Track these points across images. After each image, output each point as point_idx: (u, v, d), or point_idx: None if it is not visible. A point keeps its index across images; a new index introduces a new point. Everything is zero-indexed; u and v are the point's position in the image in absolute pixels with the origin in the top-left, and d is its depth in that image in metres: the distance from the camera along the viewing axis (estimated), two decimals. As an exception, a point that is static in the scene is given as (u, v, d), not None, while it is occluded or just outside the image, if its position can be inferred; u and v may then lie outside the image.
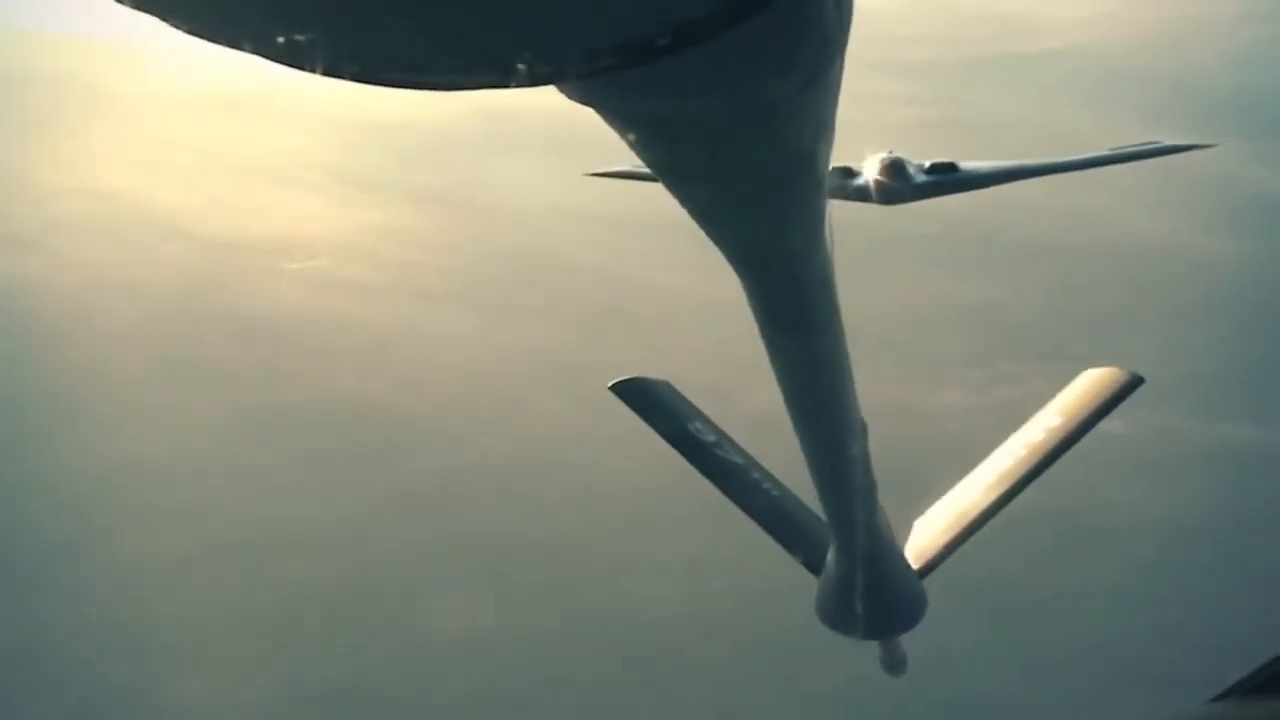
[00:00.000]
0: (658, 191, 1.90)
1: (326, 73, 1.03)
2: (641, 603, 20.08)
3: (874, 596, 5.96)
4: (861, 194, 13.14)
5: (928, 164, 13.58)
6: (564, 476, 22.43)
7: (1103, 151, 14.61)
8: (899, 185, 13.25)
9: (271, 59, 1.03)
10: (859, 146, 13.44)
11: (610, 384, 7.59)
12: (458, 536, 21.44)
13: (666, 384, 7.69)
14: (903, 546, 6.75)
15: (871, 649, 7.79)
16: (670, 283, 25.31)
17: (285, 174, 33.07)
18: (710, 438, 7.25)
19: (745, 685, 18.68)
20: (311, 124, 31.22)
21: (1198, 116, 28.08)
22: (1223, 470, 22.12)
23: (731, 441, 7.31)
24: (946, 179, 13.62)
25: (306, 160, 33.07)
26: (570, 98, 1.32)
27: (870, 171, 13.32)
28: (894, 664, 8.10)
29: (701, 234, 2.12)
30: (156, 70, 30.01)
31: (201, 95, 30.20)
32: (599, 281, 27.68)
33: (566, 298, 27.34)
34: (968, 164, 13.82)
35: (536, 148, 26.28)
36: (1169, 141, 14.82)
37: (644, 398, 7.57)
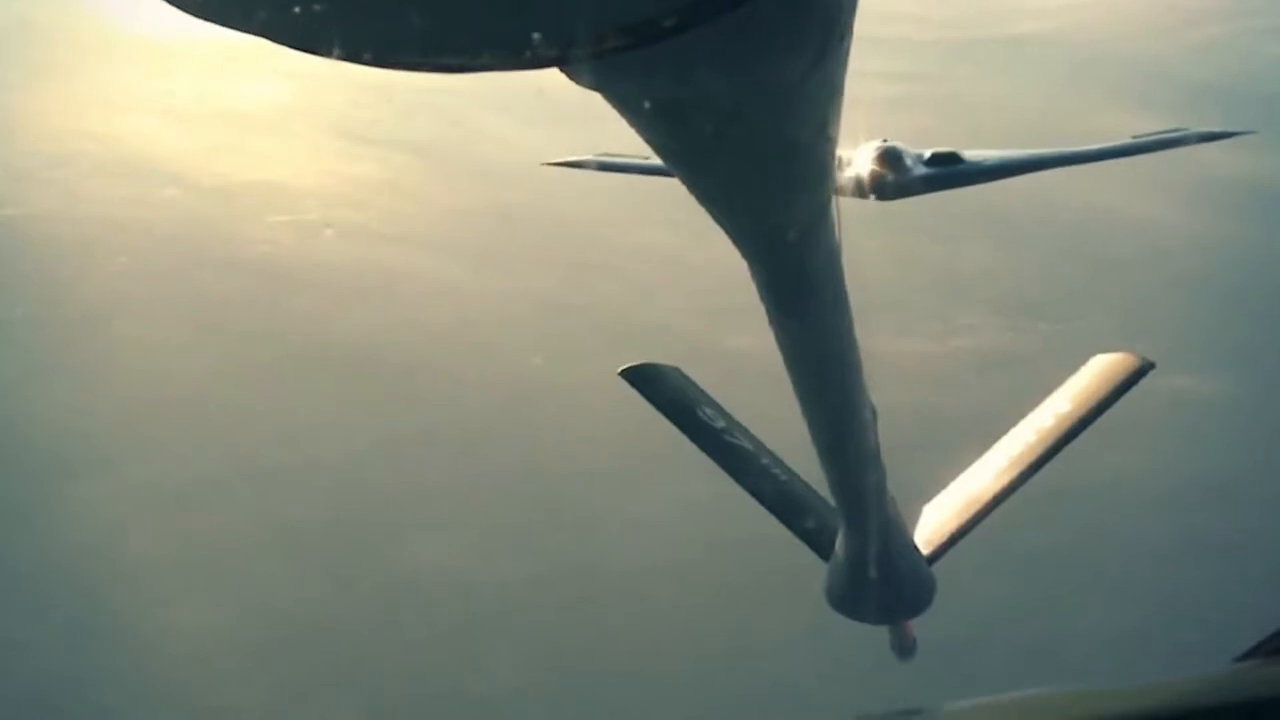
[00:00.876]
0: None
1: (331, 56, 1.03)
2: (617, 550, 20.45)
3: (883, 581, 5.98)
4: (852, 188, 11.61)
5: (928, 154, 12.11)
6: (550, 426, 22.79)
7: (1126, 140, 13.01)
8: (895, 178, 11.81)
9: (279, 43, 1.03)
10: (846, 128, 12.38)
11: (620, 370, 7.61)
12: (443, 479, 21.92)
13: (676, 369, 7.71)
14: (912, 531, 6.77)
15: (880, 633, 7.81)
16: (667, 246, 25.52)
17: (283, 126, 33.65)
18: (719, 423, 7.26)
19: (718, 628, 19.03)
20: (311, 77, 31.92)
21: (1185, 104, 28.38)
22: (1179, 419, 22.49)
23: (740, 427, 7.32)
24: (949, 171, 12.19)
25: (306, 112, 33.62)
26: (577, 82, 1.31)
27: (862, 162, 11.76)
28: (903, 648, 8.12)
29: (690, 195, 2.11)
30: (148, 22, 30.50)
31: (201, 45, 30.94)
32: (593, 241, 28.03)
33: (560, 254, 27.75)
34: (972, 153, 12.39)
35: (537, 106, 26.58)
36: (1198, 129, 13.24)
37: (653, 383, 7.60)
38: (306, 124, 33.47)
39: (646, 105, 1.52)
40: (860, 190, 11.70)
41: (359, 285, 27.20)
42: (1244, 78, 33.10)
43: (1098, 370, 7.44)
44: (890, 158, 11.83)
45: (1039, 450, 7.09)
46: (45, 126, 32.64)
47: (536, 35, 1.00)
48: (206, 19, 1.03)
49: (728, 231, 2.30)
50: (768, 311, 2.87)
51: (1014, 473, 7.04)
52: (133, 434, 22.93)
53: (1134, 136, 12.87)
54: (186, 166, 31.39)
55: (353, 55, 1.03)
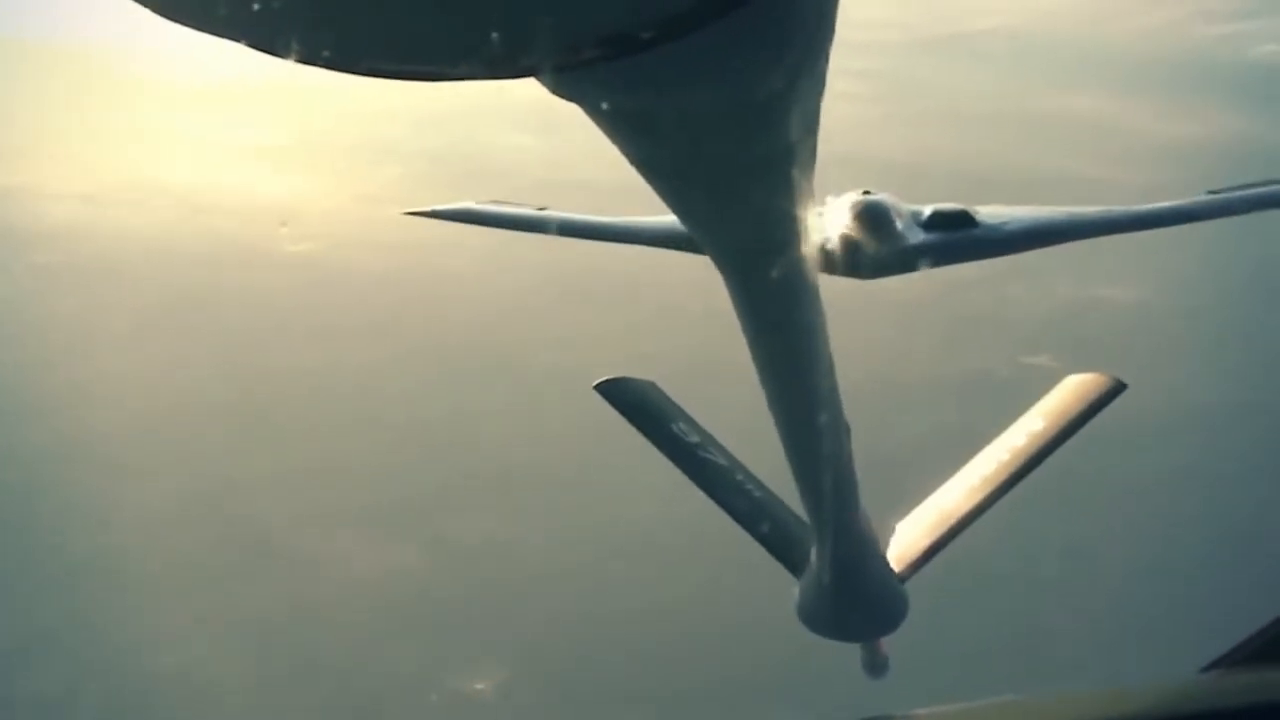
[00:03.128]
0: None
1: (301, 60, 1.02)
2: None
3: (856, 599, 6.00)
4: (821, 260, 7.40)
5: (927, 211, 8.04)
6: (561, 426, 23.87)
7: (1201, 197, 8.73)
8: (880, 248, 7.74)
9: (246, 45, 1.02)
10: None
11: (595, 384, 7.61)
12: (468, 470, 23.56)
13: (651, 384, 7.70)
14: (885, 548, 6.79)
15: (852, 650, 7.84)
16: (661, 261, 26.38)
17: (301, 158, 35.98)
18: (694, 439, 7.27)
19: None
20: (325, 112, 33.59)
21: (1139, 84, 29.66)
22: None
23: (715, 443, 7.33)
24: (958, 239, 8.09)
25: (320, 146, 35.96)
26: (553, 91, 1.29)
27: (835, 224, 7.63)
28: (875, 666, 8.14)
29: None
30: (171, 67, 32.43)
31: (217, 89, 32.64)
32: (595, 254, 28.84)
33: (564, 273, 28.59)
34: (990, 210, 8.23)
35: (541, 124, 27.81)
36: None
37: (628, 397, 7.59)
38: (320, 152, 35.65)
39: (624, 116, 1.51)
40: (832, 264, 7.57)
41: (374, 293, 28.92)
42: (1190, 56, 34.50)
43: (1070, 390, 7.50)
44: (873, 218, 7.76)
45: (1011, 468, 7.14)
46: (79, 169, 35.15)
47: (511, 45, 0.98)
48: (167, 16, 1.02)
49: (702, 243, 2.30)
50: (742, 324, 2.87)
51: (986, 491, 7.09)
52: (179, 436, 24.47)
53: (1210, 192, 8.82)
54: (212, 196, 33.80)
55: (318, 60, 1.00)
